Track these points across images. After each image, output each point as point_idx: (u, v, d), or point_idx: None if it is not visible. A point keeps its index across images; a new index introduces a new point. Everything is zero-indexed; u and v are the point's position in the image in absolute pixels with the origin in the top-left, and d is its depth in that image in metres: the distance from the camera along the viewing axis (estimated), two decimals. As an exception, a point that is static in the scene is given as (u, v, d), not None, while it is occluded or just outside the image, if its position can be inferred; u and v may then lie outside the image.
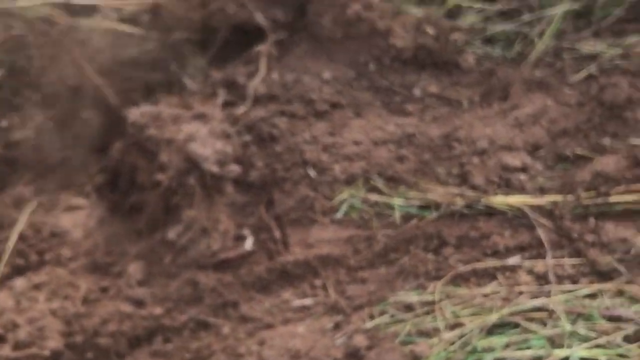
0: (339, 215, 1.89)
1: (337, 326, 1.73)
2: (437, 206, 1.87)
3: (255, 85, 1.98)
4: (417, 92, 2.08)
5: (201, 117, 1.88)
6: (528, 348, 1.52)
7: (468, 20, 2.15)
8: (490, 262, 1.76)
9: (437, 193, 1.88)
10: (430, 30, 2.05)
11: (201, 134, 1.83)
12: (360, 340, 1.67)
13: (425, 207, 1.88)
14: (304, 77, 2.05)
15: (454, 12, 2.21)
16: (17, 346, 1.77)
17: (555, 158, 1.89)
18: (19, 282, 1.86)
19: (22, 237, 2.01)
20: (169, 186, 1.87)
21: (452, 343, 1.56)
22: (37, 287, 1.89)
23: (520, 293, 1.69)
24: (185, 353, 1.78)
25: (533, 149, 1.90)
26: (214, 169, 1.82)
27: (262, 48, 2.09)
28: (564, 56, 2.11)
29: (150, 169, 1.90)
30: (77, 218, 2.10)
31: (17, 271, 1.97)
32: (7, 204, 2.10)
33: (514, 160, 1.86)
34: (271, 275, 1.86)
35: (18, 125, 2.21)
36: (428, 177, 1.92)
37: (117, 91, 2.20)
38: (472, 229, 1.82)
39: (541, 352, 1.51)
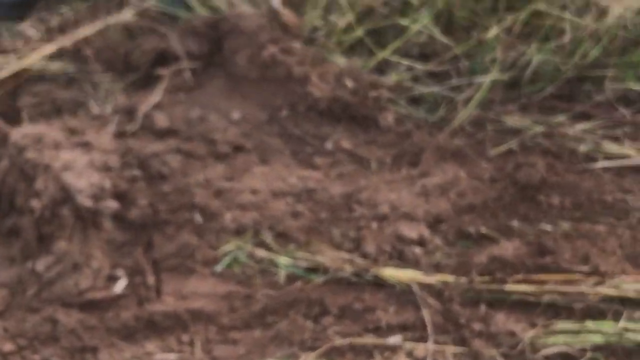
0: (219, 267, 1.76)
1: (194, 389, 1.60)
2: (325, 270, 1.74)
3: (144, 110, 1.87)
4: (329, 145, 1.96)
5: (85, 145, 1.76)
6: None
7: (395, 77, 2.05)
8: (370, 339, 1.63)
9: (327, 256, 1.76)
10: (349, 83, 1.95)
11: (79, 163, 1.70)
12: (213, 409, 1.54)
13: (313, 269, 1.75)
14: (211, 114, 1.93)
15: (383, 67, 2.12)
16: None
17: (457, 234, 1.77)
18: None
19: None
20: (42, 214, 1.74)
21: None
22: None
23: (394, 378, 1.57)
24: (28, 399, 1.64)
25: (435, 222, 1.78)
26: (87, 202, 1.69)
27: (163, 72, 1.99)
28: (487, 127, 2.01)
29: (28, 193, 1.77)
30: (-49, 235, 1.97)
31: None
32: None
33: (411, 231, 1.74)
34: (138, 324, 1.72)
35: None
36: (322, 237, 1.80)
37: (20, 107, 2.10)
38: (357, 300, 1.69)
39: None
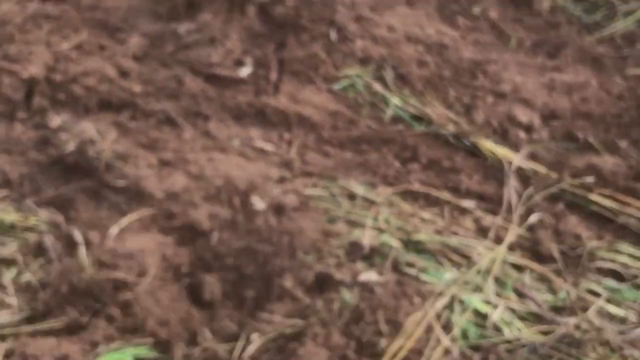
0: (336, 87, 1.88)
1: (281, 180, 1.77)
2: (429, 123, 1.83)
3: None
4: (476, 9, 1.97)
5: None
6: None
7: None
8: (446, 195, 1.74)
9: (436, 111, 1.84)
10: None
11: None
12: (291, 200, 1.71)
13: (418, 118, 1.85)
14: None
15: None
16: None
17: (565, 134, 1.80)
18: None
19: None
20: (199, -17, 1.89)
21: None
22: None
23: (454, 234, 1.68)
24: (144, 138, 1.85)
25: (549, 116, 1.81)
26: (241, -15, 1.81)
27: None
28: (637, 45, 1.95)
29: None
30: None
31: None
32: None
33: (523, 115, 1.78)
34: (249, 110, 1.89)
35: None
36: (437, 93, 1.87)
37: None
38: (447, 159, 1.79)
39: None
